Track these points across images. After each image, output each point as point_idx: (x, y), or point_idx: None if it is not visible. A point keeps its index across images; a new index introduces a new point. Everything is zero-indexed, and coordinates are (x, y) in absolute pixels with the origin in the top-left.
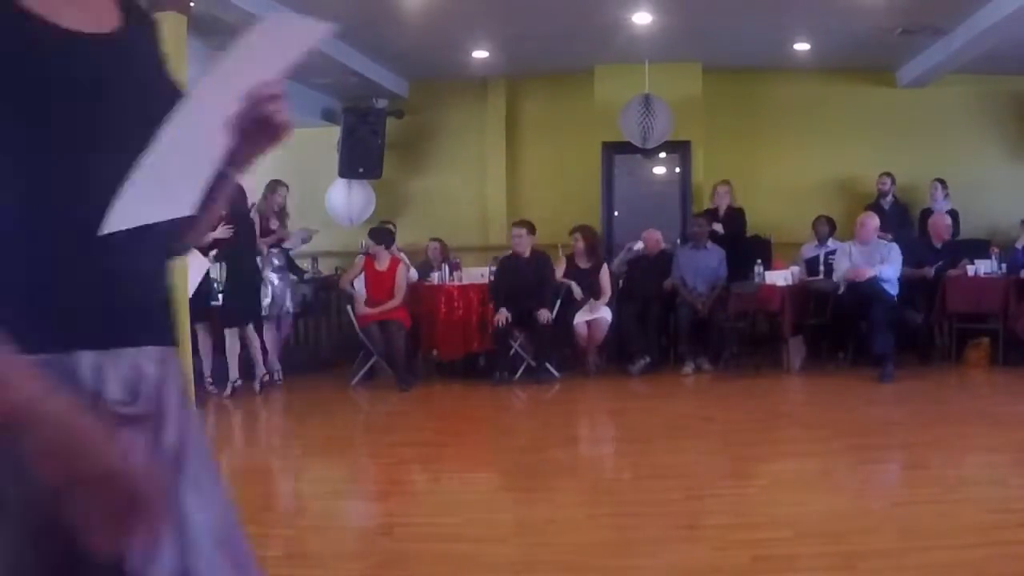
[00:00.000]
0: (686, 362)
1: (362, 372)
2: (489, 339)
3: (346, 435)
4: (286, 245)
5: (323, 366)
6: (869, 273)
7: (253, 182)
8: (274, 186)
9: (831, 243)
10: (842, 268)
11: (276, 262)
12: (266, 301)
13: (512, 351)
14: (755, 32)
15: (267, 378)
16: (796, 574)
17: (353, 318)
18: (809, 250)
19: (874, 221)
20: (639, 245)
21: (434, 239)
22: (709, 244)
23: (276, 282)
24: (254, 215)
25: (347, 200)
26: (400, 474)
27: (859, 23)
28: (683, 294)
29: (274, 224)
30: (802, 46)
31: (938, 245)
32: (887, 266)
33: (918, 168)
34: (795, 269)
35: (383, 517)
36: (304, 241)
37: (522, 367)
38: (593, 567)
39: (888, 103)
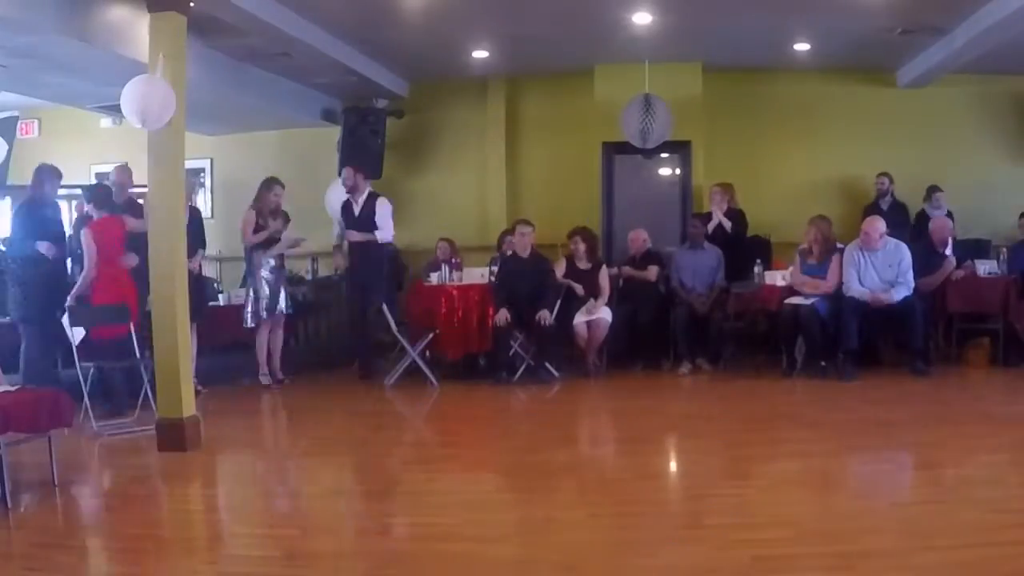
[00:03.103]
0: (683, 362)
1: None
2: (489, 339)
3: (346, 435)
4: (275, 248)
5: (323, 366)
6: (894, 298)
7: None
8: (270, 184)
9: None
10: (852, 279)
11: (272, 262)
12: (264, 303)
13: (512, 351)
14: (755, 32)
15: (268, 381)
16: (796, 574)
17: None
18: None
19: (880, 226)
20: None
21: (444, 239)
22: (706, 244)
23: (271, 283)
24: (250, 213)
25: None
26: (400, 474)
27: (859, 23)
28: (681, 294)
29: (271, 224)
30: (802, 46)
31: (941, 250)
32: (903, 287)
33: (918, 168)
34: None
35: (383, 517)
36: (291, 246)
37: (522, 367)
38: (593, 567)
39: (888, 103)
